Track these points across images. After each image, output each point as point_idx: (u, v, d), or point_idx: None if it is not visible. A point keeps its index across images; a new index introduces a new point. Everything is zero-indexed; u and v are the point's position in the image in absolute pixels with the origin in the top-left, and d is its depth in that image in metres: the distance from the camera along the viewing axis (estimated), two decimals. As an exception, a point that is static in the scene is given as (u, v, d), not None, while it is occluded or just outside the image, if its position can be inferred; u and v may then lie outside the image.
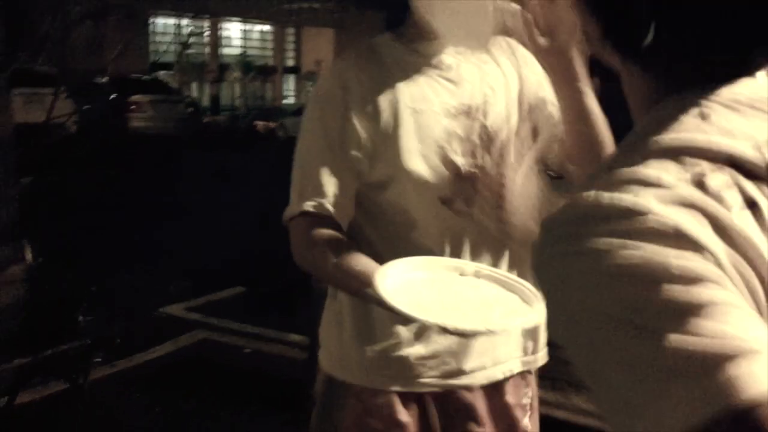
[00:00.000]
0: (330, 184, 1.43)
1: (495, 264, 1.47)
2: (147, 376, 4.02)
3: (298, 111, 31.24)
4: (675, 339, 0.52)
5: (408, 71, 1.46)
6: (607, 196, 0.59)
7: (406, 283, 1.28)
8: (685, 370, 0.51)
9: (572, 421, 3.66)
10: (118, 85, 18.13)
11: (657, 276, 0.54)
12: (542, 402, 3.67)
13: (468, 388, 1.51)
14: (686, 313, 0.52)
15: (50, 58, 15.92)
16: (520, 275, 1.42)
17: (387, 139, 1.42)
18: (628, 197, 0.58)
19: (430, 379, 1.48)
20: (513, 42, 1.53)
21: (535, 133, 1.52)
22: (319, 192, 1.43)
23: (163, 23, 33.90)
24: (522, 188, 1.46)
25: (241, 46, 38.91)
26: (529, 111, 1.52)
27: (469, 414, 1.53)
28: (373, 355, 1.46)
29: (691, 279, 0.54)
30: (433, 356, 1.46)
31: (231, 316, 4.71)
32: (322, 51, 48.04)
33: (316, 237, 1.43)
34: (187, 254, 6.52)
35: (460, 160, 1.43)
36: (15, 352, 3.23)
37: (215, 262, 6.06)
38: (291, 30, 46.41)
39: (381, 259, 1.36)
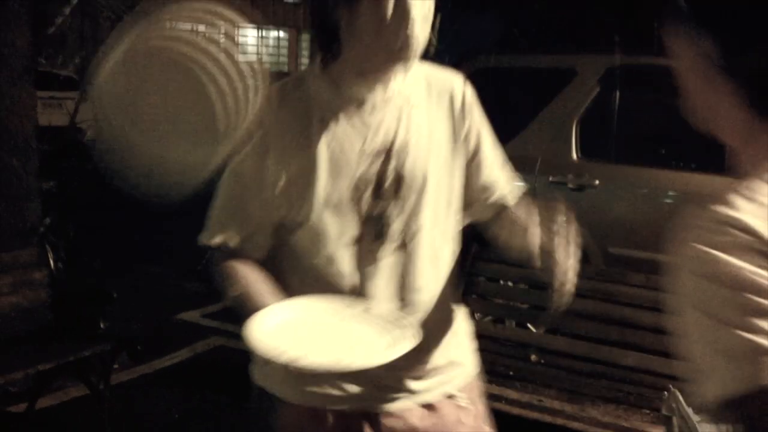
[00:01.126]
0: (237, 222, 1.49)
1: (404, 294, 1.50)
2: (165, 382, 4.05)
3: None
4: (737, 332, 0.75)
5: (330, 112, 1.47)
6: (714, 214, 0.79)
7: (285, 322, 1.36)
8: (737, 354, 0.75)
9: (589, 432, 3.66)
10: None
11: (738, 284, 0.76)
12: (559, 413, 3.71)
13: (382, 411, 1.53)
14: (750, 314, 0.75)
15: (70, 61, 15.98)
16: (431, 318, 1.51)
17: (303, 181, 1.45)
18: (730, 215, 0.79)
19: (343, 400, 1.50)
20: (456, 93, 1.57)
21: (466, 183, 1.59)
22: (227, 228, 1.49)
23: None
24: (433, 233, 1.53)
25: (256, 53, 38.87)
26: (459, 159, 1.57)
27: None
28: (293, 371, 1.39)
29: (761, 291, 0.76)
30: (348, 376, 1.45)
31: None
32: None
33: (221, 268, 1.50)
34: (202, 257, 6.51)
35: (374, 202, 1.47)
36: (37, 357, 3.25)
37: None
38: (306, 35, 46.59)
39: (295, 290, 1.45)
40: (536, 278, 3.88)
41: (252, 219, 1.49)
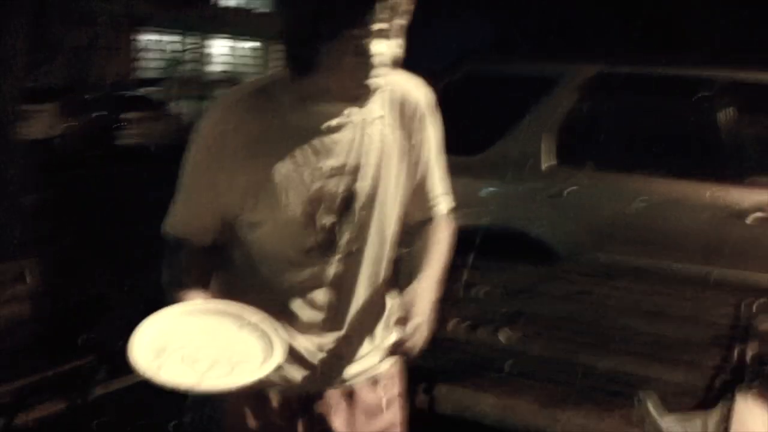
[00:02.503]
0: (197, 215, 1.61)
1: (342, 298, 1.63)
2: (145, 396, 4.03)
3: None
4: None
5: (293, 127, 1.53)
6: None
7: (175, 325, 1.42)
8: None
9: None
10: (107, 102, 18.14)
11: None
12: (535, 419, 3.76)
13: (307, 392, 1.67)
14: None
15: (51, 71, 15.85)
16: (366, 313, 1.66)
17: (261, 189, 1.53)
18: None
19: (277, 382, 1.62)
20: (413, 104, 1.64)
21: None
22: (186, 221, 1.62)
23: (151, 39, 33.92)
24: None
25: (228, 63, 38.77)
26: (414, 176, 1.67)
27: (326, 417, 1.69)
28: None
29: None
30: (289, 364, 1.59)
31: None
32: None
33: (169, 256, 1.62)
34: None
35: (326, 217, 1.56)
36: (17, 372, 3.25)
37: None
38: (277, 46, 46.55)
39: (242, 288, 1.59)
40: (512, 285, 3.94)
41: (208, 216, 1.60)
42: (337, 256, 1.60)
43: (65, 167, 11.98)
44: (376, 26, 1.40)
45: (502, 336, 4.04)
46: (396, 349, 1.58)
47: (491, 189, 4.61)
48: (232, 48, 43.64)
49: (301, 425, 1.68)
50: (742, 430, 2.78)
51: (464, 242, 4.32)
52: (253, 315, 1.49)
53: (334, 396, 1.70)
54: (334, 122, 1.54)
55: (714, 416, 2.81)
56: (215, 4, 39.20)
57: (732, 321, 3.29)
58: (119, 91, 20.24)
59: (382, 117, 1.60)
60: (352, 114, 1.55)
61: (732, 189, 4.08)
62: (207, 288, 1.58)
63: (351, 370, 1.70)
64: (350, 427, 1.71)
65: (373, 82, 1.46)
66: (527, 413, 3.95)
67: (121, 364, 3.78)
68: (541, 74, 4.74)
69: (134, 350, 1.35)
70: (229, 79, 40.28)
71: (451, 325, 3.94)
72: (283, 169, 1.53)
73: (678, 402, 2.98)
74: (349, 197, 1.57)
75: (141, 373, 1.32)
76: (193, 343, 1.41)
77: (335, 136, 1.55)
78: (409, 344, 1.53)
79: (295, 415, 1.68)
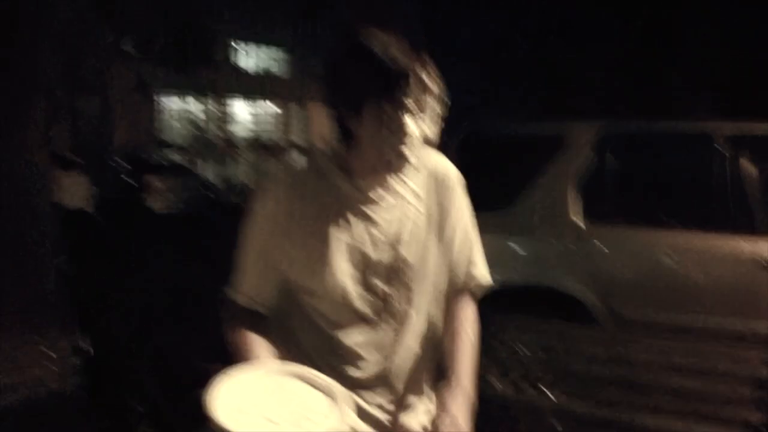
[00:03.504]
0: (258, 283, 1.70)
1: (392, 361, 1.73)
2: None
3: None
4: None
5: (346, 202, 1.66)
6: None
7: (244, 388, 1.49)
8: None
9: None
10: (131, 165, 18.46)
11: None
12: None
13: None
14: None
15: (64, 141, 16.17)
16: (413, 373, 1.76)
17: (320, 259, 1.64)
18: None
19: None
20: (444, 176, 1.76)
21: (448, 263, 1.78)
22: (248, 288, 1.71)
23: (171, 102, 34.52)
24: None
25: (249, 124, 39.27)
26: (447, 244, 1.77)
27: None
28: None
29: None
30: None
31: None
32: (328, 126, 48.68)
33: (235, 322, 1.70)
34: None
35: (373, 283, 1.68)
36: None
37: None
38: (297, 106, 47.16)
39: (301, 344, 1.70)
40: (552, 344, 3.94)
41: (268, 285, 1.70)
42: (384, 320, 1.71)
43: (93, 233, 12.13)
44: (406, 102, 1.54)
45: (546, 394, 4.02)
46: None
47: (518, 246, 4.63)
48: (253, 111, 44.33)
49: None
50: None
51: (497, 298, 4.36)
52: (321, 376, 1.55)
53: None
54: (378, 194, 1.67)
55: None
56: (236, 68, 39.91)
57: (769, 376, 3.27)
58: (142, 156, 20.58)
59: (419, 192, 1.72)
60: (395, 186, 1.68)
61: (761, 240, 4.07)
62: (269, 350, 1.65)
63: (401, 417, 1.78)
64: None
65: (403, 155, 1.58)
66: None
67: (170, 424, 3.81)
68: (545, 133, 4.81)
69: (214, 408, 1.40)
70: (251, 140, 40.80)
71: (492, 383, 3.95)
72: (339, 240, 1.64)
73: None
74: (394, 265, 1.69)
75: (224, 427, 1.36)
76: (270, 403, 1.47)
77: (380, 208, 1.67)
78: None
79: None
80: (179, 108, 35.38)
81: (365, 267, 1.67)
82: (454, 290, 1.82)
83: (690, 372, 3.42)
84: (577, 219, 4.44)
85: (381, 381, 1.74)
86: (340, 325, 1.69)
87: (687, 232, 4.29)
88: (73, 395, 3.62)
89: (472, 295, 1.86)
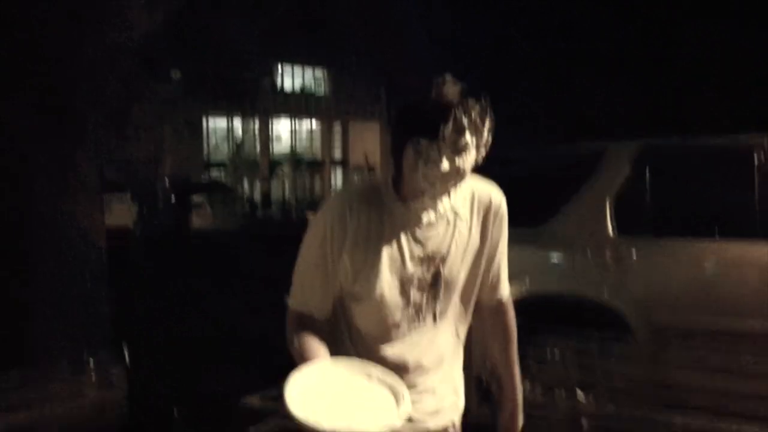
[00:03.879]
0: (316, 293, 1.91)
1: (427, 360, 1.97)
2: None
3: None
4: None
5: (395, 221, 1.88)
6: None
7: (316, 384, 1.69)
8: None
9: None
10: (178, 187, 18.90)
11: None
12: None
13: None
14: None
15: (114, 165, 16.60)
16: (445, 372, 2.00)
17: (368, 270, 1.87)
18: None
19: None
20: (491, 204, 1.97)
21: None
22: (307, 298, 1.92)
23: (216, 124, 35.08)
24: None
25: (290, 143, 39.70)
26: (482, 259, 1.99)
27: None
28: None
29: None
30: None
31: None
32: (369, 143, 49.05)
33: (294, 325, 1.91)
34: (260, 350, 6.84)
35: (417, 295, 1.91)
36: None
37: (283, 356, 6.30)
38: (338, 125, 47.56)
39: (346, 340, 1.94)
40: (583, 347, 4.07)
41: (326, 294, 1.91)
42: (424, 327, 1.94)
43: (143, 254, 12.52)
44: (442, 140, 1.76)
45: (579, 397, 4.13)
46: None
47: (557, 258, 4.75)
48: (295, 129, 44.78)
49: None
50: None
51: (536, 309, 4.47)
52: (378, 369, 1.77)
53: None
54: (428, 218, 1.89)
55: None
56: (279, 89, 40.41)
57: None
58: (190, 176, 21.01)
59: (464, 215, 1.93)
60: (444, 211, 1.90)
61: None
62: (327, 353, 1.86)
63: (431, 418, 1.99)
64: None
65: (435, 185, 1.81)
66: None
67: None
68: (585, 152, 4.96)
69: (289, 401, 1.60)
70: (292, 158, 41.20)
71: (528, 388, 4.06)
72: (385, 255, 1.87)
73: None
74: (436, 280, 1.92)
75: (300, 420, 1.56)
76: (336, 394, 1.68)
77: (429, 229, 1.90)
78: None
79: None
80: (224, 129, 35.94)
81: (405, 279, 1.88)
82: (484, 303, 2.06)
83: (722, 372, 3.51)
84: (613, 232, 4.55)
85: (414, 380, 1.94)
86: (383, 330, 1.92)
87: (719, 242, 4.37)
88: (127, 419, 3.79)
89: (508, 303, 2.11)
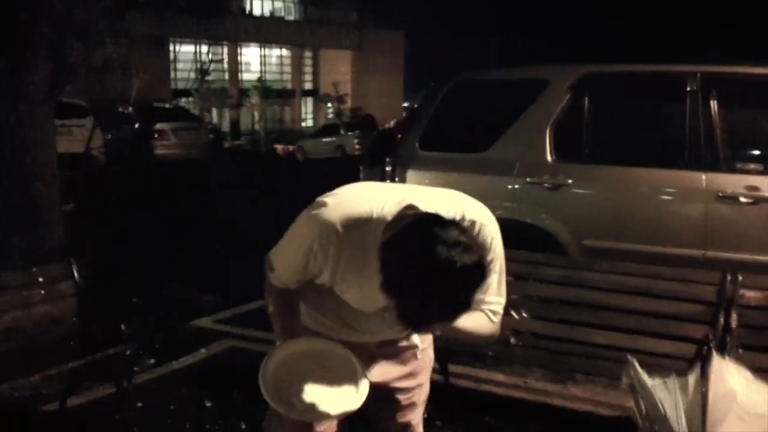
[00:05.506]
0: (293, 276, 2.11)
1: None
2: (183, 381, 4.40)
3: (316, 133, 31.58)
4: None
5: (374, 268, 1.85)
6: None
7: (286, 371, 1.95)
8: None
9: (569, 407, 3.98)
10: (143, 113, 18.71)
11: None
12: (542, 392, 4.02)
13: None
14: None
15: (76, 89, 16.36)
16: None
17: (347, 284, 2.03)
18: None
19: None
20: (485, 233, 2.04)
21: None
22: (285, 278, 2.13)
23: (183, 50, 34.46)
24: None
25: (259, 71, 39.13)
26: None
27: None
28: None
29: None
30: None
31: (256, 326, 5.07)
32: (340, 73, 48.57)
33: (272, 293, 2.17)
34: (214, 270, 7.00)
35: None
36: (68, 357, 3.60)
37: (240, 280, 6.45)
38: (308, 53, 46.91)
39: (322, 310, 2.19)
40: (516, 270, 4.21)
41: (303, 278, 2.09)
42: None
43: (103, 178, 12.49)
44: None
45: (512, 317, 4.31)
46: None
47: (497, 183, 4.90)
48: (264, 56, 44.08)
49: None
50: (719, 385, 3.00)
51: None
52: (342, 348, 2.03)
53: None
54: None
55: (694, 375, 3.02)
56: (248, 14, 39.62)
57: (716, 297, 3.53)
58: (154, 103, 20.78)
59: None
60: None
61: (721, 176, 4.31)
62: (298, 319, 2.17)
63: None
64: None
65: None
66: (536, 387, 4.22)
67: (159, 354, 4.15)
68: (531, 77, 5.04)
69: (264, 382, 1.87)
70: (261, 87, 40.64)
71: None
72: (362, 292, 2.01)
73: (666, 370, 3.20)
74: None
75: (272, 404, 1.82)
76: (303, 378, 1.94)
77: None
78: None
79: None
80: (192, 56, 35.32)
81: (379, 309, 1.96)
82: None
83: (644, 294, 3.69)
84: (551, 158, 4.69)
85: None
86: (351, 318, 2.15)
87: (652, 169, 4.54)
88: (78, 330, 3.92)
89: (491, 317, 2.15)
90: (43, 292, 3.88)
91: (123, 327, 3.85)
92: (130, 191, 11.37)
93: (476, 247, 1.75)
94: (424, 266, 1.67)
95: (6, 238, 4.49)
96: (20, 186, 4.54)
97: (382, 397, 2.30)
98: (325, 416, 1.92)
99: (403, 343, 2.32)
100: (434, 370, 3.95)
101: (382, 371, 2.30)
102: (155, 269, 6.58)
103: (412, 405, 2.44)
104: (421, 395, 2.48)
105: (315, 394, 1.90)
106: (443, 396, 4.01)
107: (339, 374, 1.97)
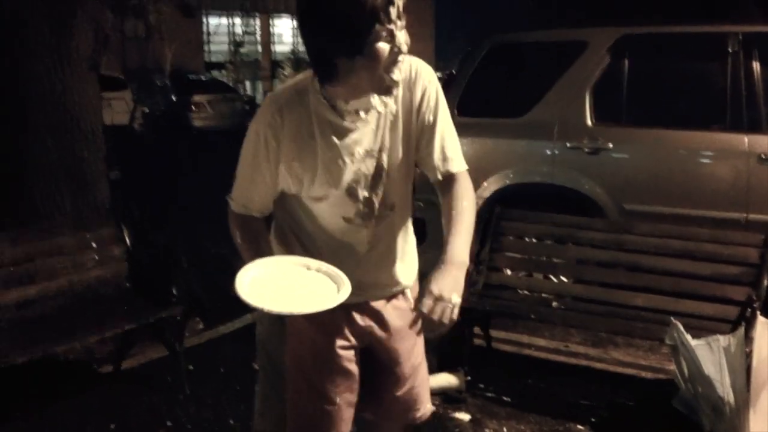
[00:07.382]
0: (253, 197, 1.98)
1: (375, 245, 2.03)
2: (231, 344, 4.50)
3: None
4: None
5: (328, 125, 1.86)
6: None
7: (263, 275, 1.83)
8: None
9: (610, 371, 4.04)
10: (179, 85, 18.82)
11: None
12: (583, 356, 4.07)
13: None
14: None
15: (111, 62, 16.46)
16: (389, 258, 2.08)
17: (313, 172, 1.89)
18: None
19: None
20: (413, 77, 1.92)
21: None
22: (246, 200, 1.99)
23: (217, 23, 34.49)
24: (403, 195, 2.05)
25: (291, 43, 38.98)
26: (417, 138, 1.98)
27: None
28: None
29: None
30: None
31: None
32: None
33: (236, 224, 2.01)
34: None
35: (363, 191, 1.93)
36: (122, 320, 3.70)
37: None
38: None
39: (290, 239, 2.04)
40: (556, 234, 4.24)
41: (264, 196, 1.98)
42: (373, 221, 1.99)
43: (144, 148, 12.67)
44: (398, 20, 1.74)
45: (548, 281, 4.35)
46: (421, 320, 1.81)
47: (536, 148, 4.91)
48: (296, 28, 43.92)
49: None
50: (763, 347, 3.03)
51: (515, 197, 4.66)
52: (316, 262, 1.90)
53: (371, 306, 2.11)
54: (361, 116, 1.88)
55: (738, 336, 3.05)
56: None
57: (759, 258, 3.54)
58: (189, 76, 20.90)
59: (399, 96, 1.91)
60: (374, 105, 1.87)
61: (763, 137, 4.27)
62: (263, 246, 1.98)
63: (384, 289, 2.12)
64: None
65: (397, 79, 1.79)
66: (577, 351, 4.28)
67: (212, 316, 4.25)
68: (567, 40, 5.00)
69: (241, 289, 1.76)
70: (294, 58, 40.55)
71: (505, 272, 4.29)
72: (326, 157, 1.88)
73: (709, 332, 3.23)
74: (380, 174, 1.94)
75: (250, 304, 1.72)
76: (280, 283, 1.83)
77: (363, 126, 1.89)
78: (433, 316, 1.77)
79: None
80: (225, 28, 35.27)
81: (353, 177, 1.90)
82: (437, 181, 2.01)
83: (683, 255, 3.71)
84: (591, 122, 4.69)
85: (363, 265, 2.02)
86: (336, 226, 1.98)
87: (693, 131, 4.52)
88: (129, 292, 4.03)
89: (459, 178, 2.01)
90: (96, 257, 4.00)
91: (173, 290, 3.95)
92: (171, 160, 11.53)
93: None
94: None
95: (56, 201, 4.59)
96: (69, 151, 4.63)
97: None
98: (306, 308, 1.77)
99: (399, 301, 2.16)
100: (476, 336, 4.08)
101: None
102: (200, 233, 6.68)
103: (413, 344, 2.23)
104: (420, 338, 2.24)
105: (295, 292, 1.82)
106: (486, 360, 4.10)
107: (318, 279, 1.87)
